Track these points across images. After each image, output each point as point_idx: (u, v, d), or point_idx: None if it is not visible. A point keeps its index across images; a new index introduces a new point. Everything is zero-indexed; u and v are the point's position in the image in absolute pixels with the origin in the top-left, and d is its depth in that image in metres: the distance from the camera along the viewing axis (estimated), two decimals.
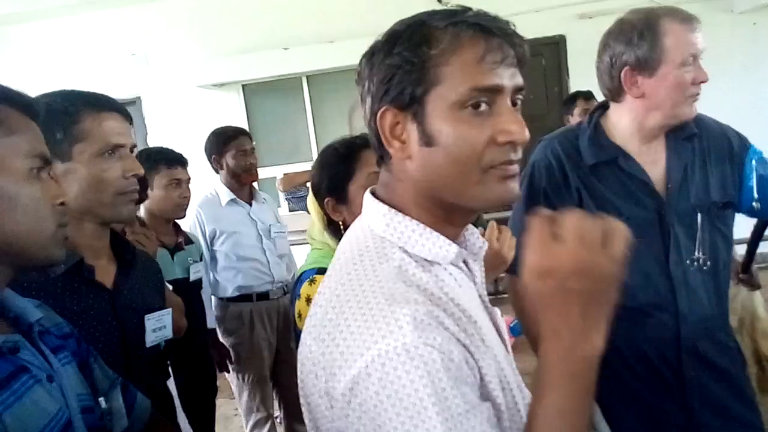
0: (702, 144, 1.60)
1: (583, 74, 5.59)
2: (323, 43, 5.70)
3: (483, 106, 0.79)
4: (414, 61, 0.79)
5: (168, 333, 1.49)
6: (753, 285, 2.16)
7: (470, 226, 0.96)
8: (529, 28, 5.93)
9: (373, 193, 0.91)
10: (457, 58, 0.78)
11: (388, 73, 0.81)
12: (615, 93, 1.59)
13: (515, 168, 0.82)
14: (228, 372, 3.02)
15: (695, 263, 1.54)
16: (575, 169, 1.59)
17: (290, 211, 4.82)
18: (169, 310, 1.51)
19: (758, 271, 2.16)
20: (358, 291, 0.77)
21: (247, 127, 6.21)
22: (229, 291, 2.98)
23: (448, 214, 0.85)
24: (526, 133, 0.80)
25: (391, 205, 0.86)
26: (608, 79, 1.59)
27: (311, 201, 1.70)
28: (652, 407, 1.56)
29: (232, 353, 2.97)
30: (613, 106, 1.64)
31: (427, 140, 0.80)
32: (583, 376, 0.74)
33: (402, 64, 0.80)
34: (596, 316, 0.73)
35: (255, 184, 3.15)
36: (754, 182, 1.60)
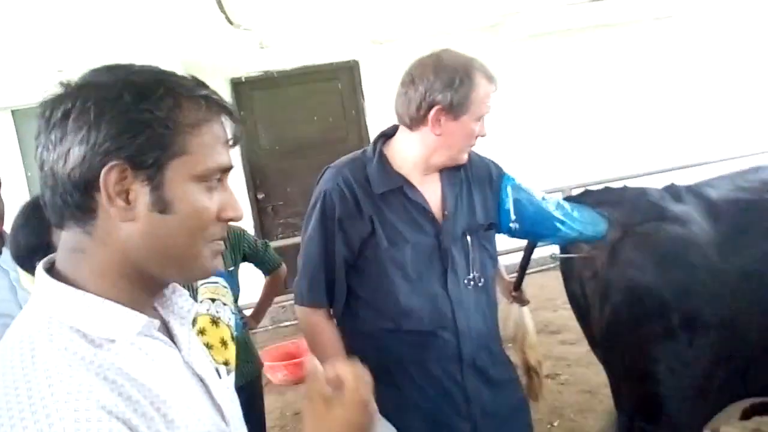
0: (468, 173, 1.76)
1: (377, 97, 5.79)
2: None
3: (214, 182, 0.81)
4: (168, 125, 0.76)
5: None
6: (523, 301, 2.30)
7: (178, 287, 0.90)
8: (325, 53, 5.96)
9: (51, 264, 0.81)
10: (207, 130, 0.79)
11: (131, 129, 0.74)
12: (414, 123, 1.64)
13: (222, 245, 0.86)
14: None
15: (471, 282, 1.67)
16: (367, 197, 1.64)
17: None
18: None
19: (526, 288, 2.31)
20: (21, 382, 0.68)
21: (20, 158, 5.54)
22: None
23: (143, 283, 0.80)
24: (242, 212, 0.86)
25: (66, 277, 0.77)
26: (414, 109, 1.62)
27: None
28: (440, 422, 1.67)
29: None
30: (402, 134, 1.70)
31: (163, 207, 0.77)
32: None
33: (154, 125, 0.75)
34: None
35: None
36: (510, 206, 1.79)
